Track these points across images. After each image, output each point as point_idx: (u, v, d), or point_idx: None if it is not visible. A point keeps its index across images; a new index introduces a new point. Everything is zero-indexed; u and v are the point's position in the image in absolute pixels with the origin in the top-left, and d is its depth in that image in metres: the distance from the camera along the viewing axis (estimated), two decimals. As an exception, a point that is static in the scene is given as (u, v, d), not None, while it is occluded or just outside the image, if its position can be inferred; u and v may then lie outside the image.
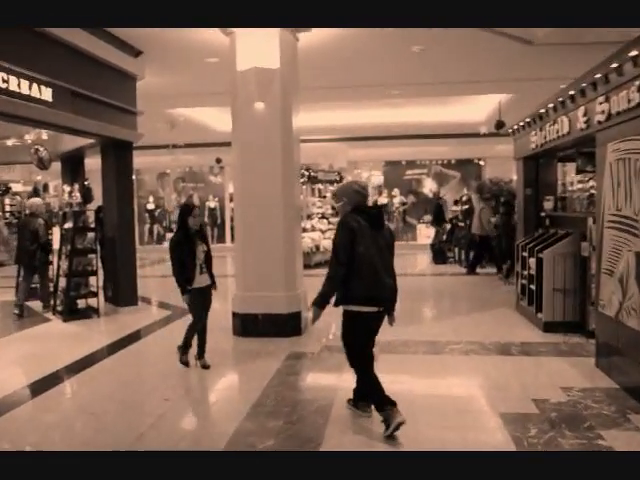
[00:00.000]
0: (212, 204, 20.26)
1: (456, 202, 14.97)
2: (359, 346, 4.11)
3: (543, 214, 8.04)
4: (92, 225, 8.57)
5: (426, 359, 5.81)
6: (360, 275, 3.85)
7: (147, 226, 20.69)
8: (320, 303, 3.93)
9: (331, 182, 15.95)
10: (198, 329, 5.62)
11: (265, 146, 6.78)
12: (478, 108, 14.03)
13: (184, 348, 5.64)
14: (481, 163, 19.49)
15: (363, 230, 3.87)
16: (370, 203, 4.33)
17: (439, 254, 14.22)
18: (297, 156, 7.33)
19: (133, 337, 7.04)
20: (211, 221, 20.14)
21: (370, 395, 4.14)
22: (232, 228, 19.99)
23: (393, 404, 3.97)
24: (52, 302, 8.49)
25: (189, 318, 5.64)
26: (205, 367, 5.50)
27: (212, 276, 5.57)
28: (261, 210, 6.80)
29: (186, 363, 5.59)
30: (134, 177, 9.65)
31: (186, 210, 5.37)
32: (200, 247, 5.40)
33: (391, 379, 5.12)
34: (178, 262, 5.31)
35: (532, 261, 7.23)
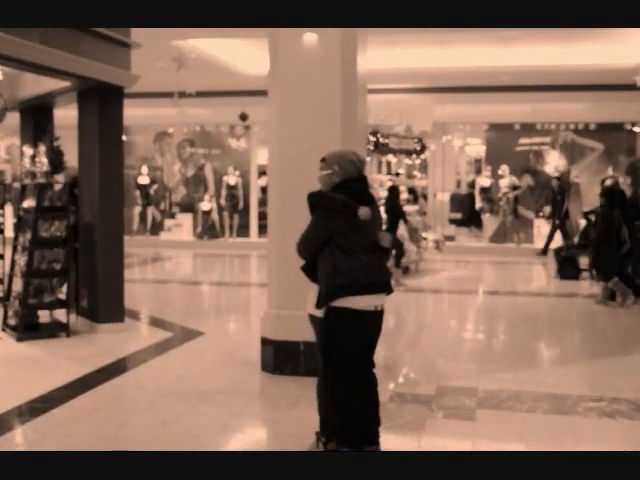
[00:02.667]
0: (232, 180, 20.55)
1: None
2: (346, 359, 4.48)
3: None
4: (63, 204, 8.71)
5: (548, 421, 5.71)
6: (347, 258, 4.41)
7: (138, 209, 21.12)
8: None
9: (408, 153, 15.85)
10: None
11: (318, 98, 6.78)
12: (633, 46, 13.67)
13: (325, 434, 4.69)
14: (636, 130, 19.04)
15: (349, 210, 4.49)
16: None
17: (568, 265, 13.96)
18: (363, 113, 7.28)
19: (116, 368, 7.13)
20: (230, 205, 20.43)
21: (339, 434, 4.57)
22: (261, 216, 20.19)
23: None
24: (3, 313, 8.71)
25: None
26: None
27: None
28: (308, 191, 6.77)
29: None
30: (124, 138, 9.75)
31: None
32: None
33: (495, 448, 5.03)
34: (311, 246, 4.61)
35: None
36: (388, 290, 4.60)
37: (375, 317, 4.55)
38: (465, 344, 8.71)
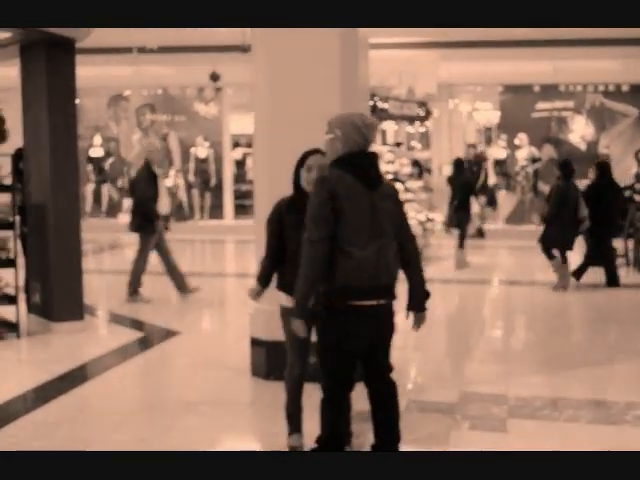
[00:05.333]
0: (201, 152, 20.49)
1: None
2: (336, 361, 4.62)
3: None
4: (7, 182, 8.63)
5: (592, 432, 5.69)
6: (340, 257, 4.43)
7: (91, 186, 21.00)
8: (301, 312, 4.54)
9: (410, 119, 15.76)
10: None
11: (312, 54, 6.72)
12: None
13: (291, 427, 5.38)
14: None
15: (349, 190, 4.47)
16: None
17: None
18: (365, 72, 7.27)
19: (78, 375, 7.08)
20: (200, 181, 20.38)
21: (325, 432, 4.76)
22: (236, 194, 20.11)
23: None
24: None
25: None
26: None
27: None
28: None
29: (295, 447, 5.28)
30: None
31: (300, 159, 5.20)
32: None
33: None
34: (271, 253, 5.25)
35: None
36: (389, 296, 4.64)
37: (379, 311, 4.59)
38: (487, 343, 8.71)
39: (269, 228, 5.26)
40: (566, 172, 11.76)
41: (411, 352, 8.06)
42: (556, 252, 11.63)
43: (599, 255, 12.03)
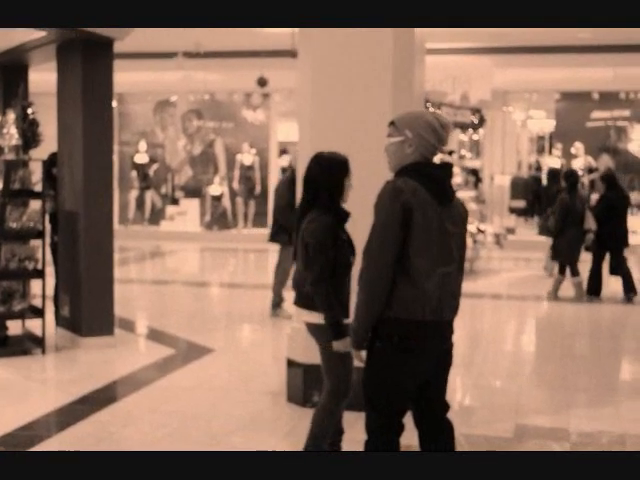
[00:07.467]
0: (247, 159, 20.50)
1: None
2: (387, 398, 4.13)
3: None
4: (38, 188, 8.52)
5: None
6: (406, 280, 3.95)
7: (134, 193, 21.14)
8: (358, 342, 4.15)
9: (463, 127, 15.49)
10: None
11: (362, 60, 6.62)
12: None
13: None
14: None
15: (423, 206, 3.93)
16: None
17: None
18: (420, 79, 7.21)
19: (103, 397, 6.87)
20: (244, 189, 20.41)
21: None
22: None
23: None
24: None
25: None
26: None
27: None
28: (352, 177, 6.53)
29: None
30: (114, 105, 9.46)
31: (337, 166, 4.93)
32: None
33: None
34: (328, 281, 4.83)
35: None
36: (449, 334, 4.16)
37: (440, 347, 4.10)
38: (542, 367, 8.32)
39: (326, 252, 4.78)
40: (570, 183, 11.83)
41: (461, 377, 7.67)
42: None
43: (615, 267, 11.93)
